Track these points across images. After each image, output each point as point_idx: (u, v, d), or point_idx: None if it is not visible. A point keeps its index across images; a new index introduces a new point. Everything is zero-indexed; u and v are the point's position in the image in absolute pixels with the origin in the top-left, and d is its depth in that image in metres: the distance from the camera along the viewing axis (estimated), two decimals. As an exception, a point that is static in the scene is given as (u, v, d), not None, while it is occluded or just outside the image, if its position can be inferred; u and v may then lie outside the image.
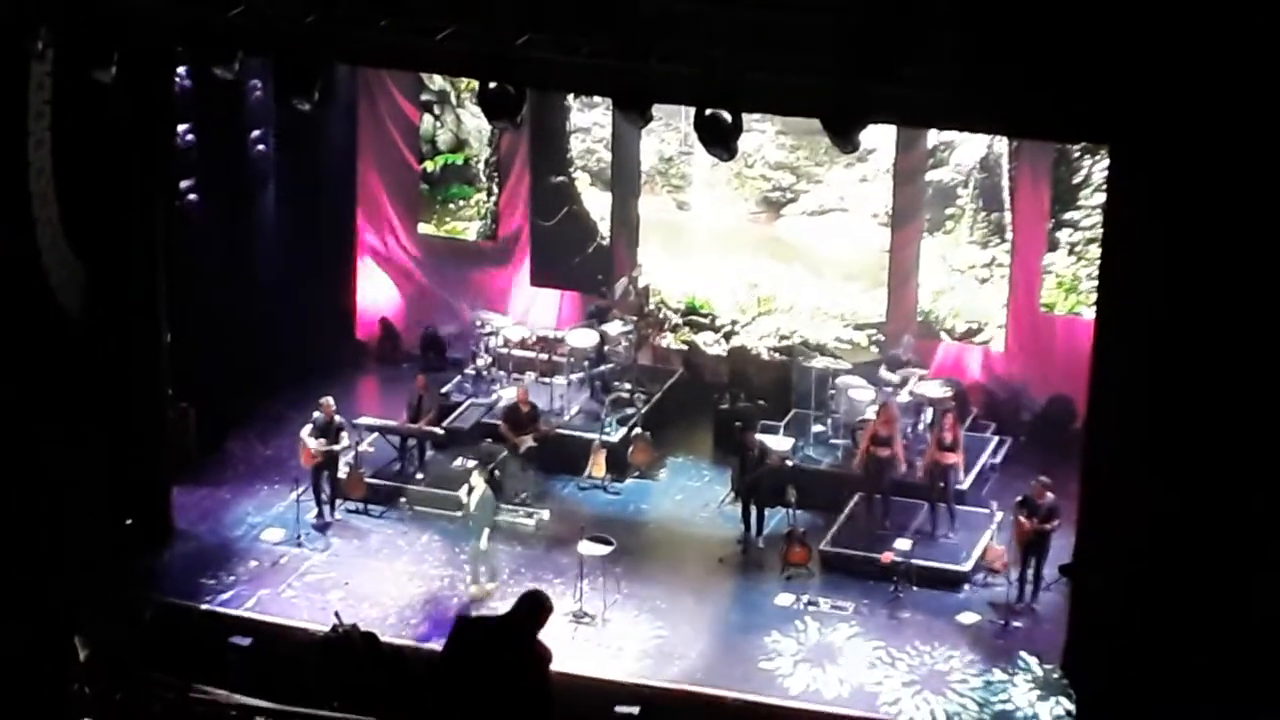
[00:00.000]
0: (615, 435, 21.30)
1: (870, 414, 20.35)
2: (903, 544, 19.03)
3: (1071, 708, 16.57)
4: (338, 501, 20.07)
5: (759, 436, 20.23)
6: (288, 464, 20.22)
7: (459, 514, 19.52)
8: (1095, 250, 19.91)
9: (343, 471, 20.18)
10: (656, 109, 15.13)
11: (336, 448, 19.85)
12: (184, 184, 20.68)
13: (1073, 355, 20.34)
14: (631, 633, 18.23)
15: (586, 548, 18.58)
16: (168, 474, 19.73)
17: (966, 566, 19.08)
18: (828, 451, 21.01)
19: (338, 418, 19.98)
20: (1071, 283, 21.43)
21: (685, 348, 23.06)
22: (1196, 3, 13.43)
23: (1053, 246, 21.48)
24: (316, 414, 19.96)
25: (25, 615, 17.02)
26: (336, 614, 16.93)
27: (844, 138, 14.57)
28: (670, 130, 22.33)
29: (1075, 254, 21.35)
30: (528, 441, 20.40)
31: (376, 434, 20.92)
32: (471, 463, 20.69)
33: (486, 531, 18.90)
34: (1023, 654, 17.85)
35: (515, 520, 19.98)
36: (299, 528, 19.62)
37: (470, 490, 19.09)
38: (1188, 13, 13.41)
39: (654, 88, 14.70)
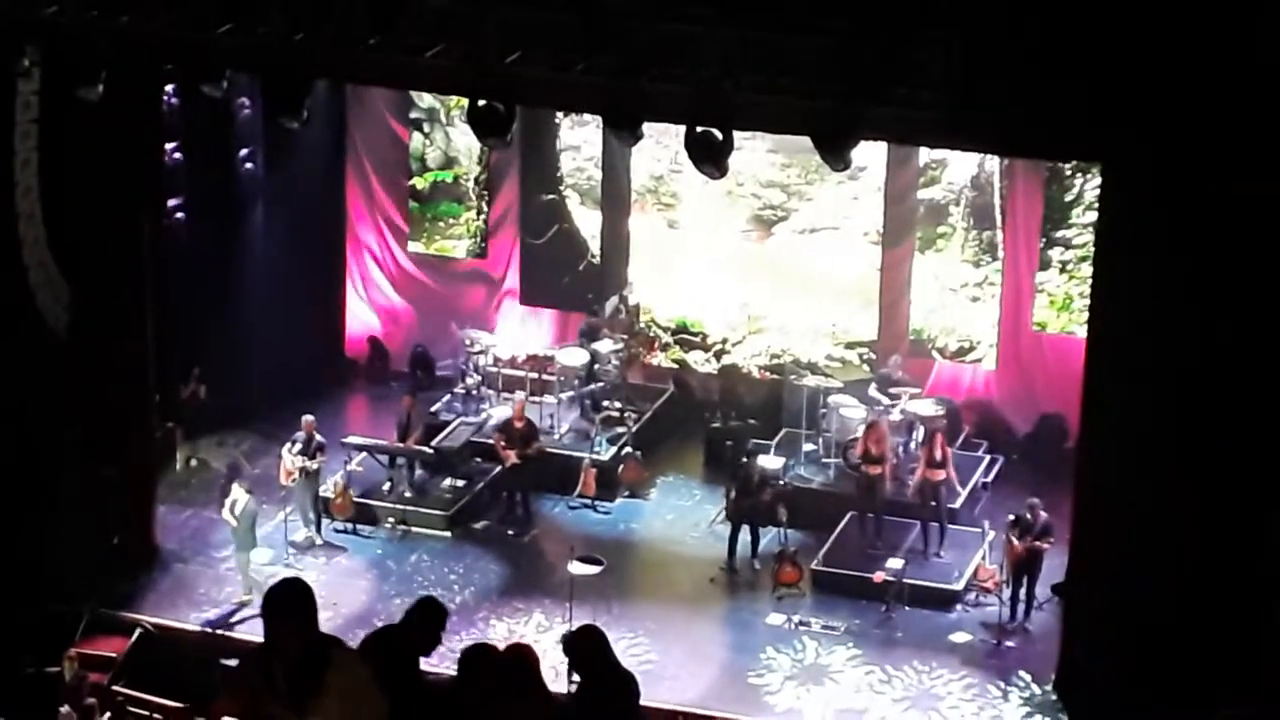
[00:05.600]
0: (605, 454, 21.21)
1: (860, 432, 20.27)
2: (894, 563, 18.95)
3: (1064, 728, 16.54)
4: (325, 522, 19.99)
5: (759, 462, 20.05)
6: (275, 484, 20.10)
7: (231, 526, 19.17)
8: (1087, 268, 19.84)
9: (329, 491, 20.11)
10: (647, 127, 15.05)
11: (314, 465, 19.74)
12: (171, 202, 20.60)
13: (1065, 374, 20.23)
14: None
15: (576, 567, 18.48)
16: (153, 494, 19.62)
17: (958, 586, 19.01)
18: (819, 470, 20.93)
19: (317, 436, 19.88)
20: (1064, 301, 21.37)
21: (676, 366, 22.97)
22: (1187, 21, 13.40)
23: (1044, 265, 21.41)
24: (298, 433, 19.89)
25: (13, 635, 16.95)
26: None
27: (835, 156, 14.50)
28: (661, 148, 22.19)
29: (1067, 272, 21.29)
30: (512, 458, 20.31)
31: (365, 453, 20.84)
32: (461, 482, 20.68)
33: (249, 541, 18.88)
34: (1015, 674, 17.79)
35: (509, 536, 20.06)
36: (287, 548, 19.53)
37: (234, 503, 18.93)
38: (1178, 31, 13.38)
39: (644, 106, 14.63)
